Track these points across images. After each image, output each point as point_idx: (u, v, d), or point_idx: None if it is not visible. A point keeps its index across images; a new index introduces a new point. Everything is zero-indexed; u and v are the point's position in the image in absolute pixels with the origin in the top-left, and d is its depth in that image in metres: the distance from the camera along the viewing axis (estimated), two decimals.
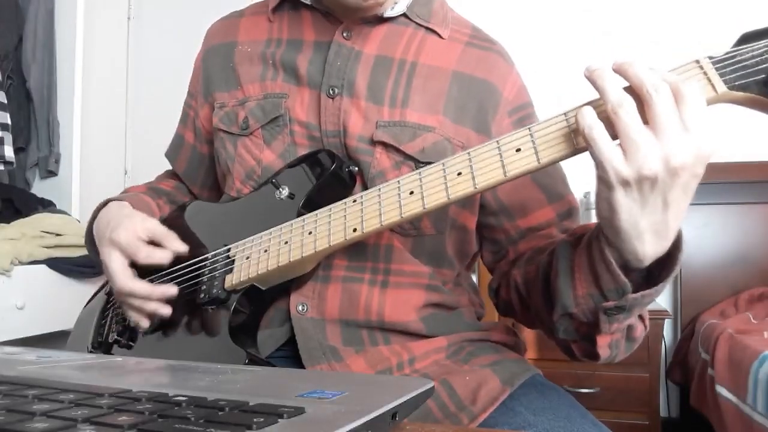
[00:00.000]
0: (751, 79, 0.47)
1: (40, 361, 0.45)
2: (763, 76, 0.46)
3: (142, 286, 0.64)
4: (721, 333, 1.68)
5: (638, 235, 0.48)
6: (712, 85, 0.48)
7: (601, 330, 0.54)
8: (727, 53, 0.48)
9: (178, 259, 0.70)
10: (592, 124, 0.46)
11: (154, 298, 0.65)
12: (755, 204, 2.16)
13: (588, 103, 0.49)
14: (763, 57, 0.46)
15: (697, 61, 0.49)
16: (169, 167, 0.91)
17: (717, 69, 0.48)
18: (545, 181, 0.70)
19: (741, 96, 0.47)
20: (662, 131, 0.44)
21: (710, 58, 0.48)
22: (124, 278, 0.65)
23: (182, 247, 0.67)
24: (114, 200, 0.75)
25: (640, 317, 0.57)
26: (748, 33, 0.48)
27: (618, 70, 0.46)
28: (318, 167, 0.64)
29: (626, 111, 0.45)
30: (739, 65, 0.47)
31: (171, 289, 0.65)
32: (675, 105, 0.44)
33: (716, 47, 0.50)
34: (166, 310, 0.65)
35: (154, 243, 0.67)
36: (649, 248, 0.48)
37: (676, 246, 0.49)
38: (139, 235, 0.66)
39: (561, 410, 0.58)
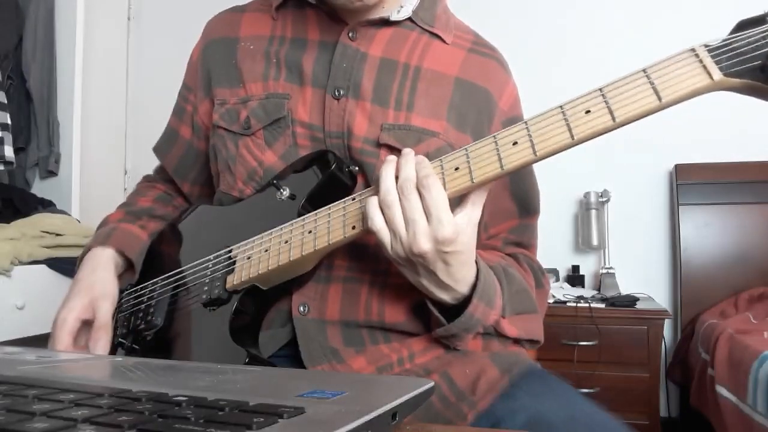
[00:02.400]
0: (746, 66, 0.46)
1: (40, 361, 0.45)
2: (759, 62, 0.46)
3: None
4: (721, 333, 1.68)
5: (426, 289, 0.58)
6: (708, 73, 0.47)
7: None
8: (723, 41, 0.48)
9: (180, 262, 0.70)
10: (373, 216, 0.55)
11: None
12: (755, 204, 2.16)
13: (375, 191, 0.56)
14: (759, 43, 0.46)
15: (693, 50, 0.49)
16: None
17: (713, 57, 0.48)
18: (520, 194, 0.73)
19: (737, 83, 0.47)
20: (409, 224, 0.53)
21: (706, 46, 0.48)
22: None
23: (99, 350, 0.66)
24: (98, 246, 0.74)
25: (497, 332, 0.65)
26: (745, 20, 0.48)
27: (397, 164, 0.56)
28: (319, 168, 0.64)
29: (388, 206, 0.54)
30: (735, 52, 0.47)
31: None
32: (419, 202, 0.53)
33: (714, 35, 0.50)
34: None
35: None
36: (441, 296, 0.59)
37: (476, 287, 0.59)
38: (83, 316, 0.67)
39: (560, 393, 0.59)
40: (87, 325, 0.68)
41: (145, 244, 0.76)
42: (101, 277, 0.71)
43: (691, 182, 2.23)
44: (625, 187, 2.33)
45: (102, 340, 0.66)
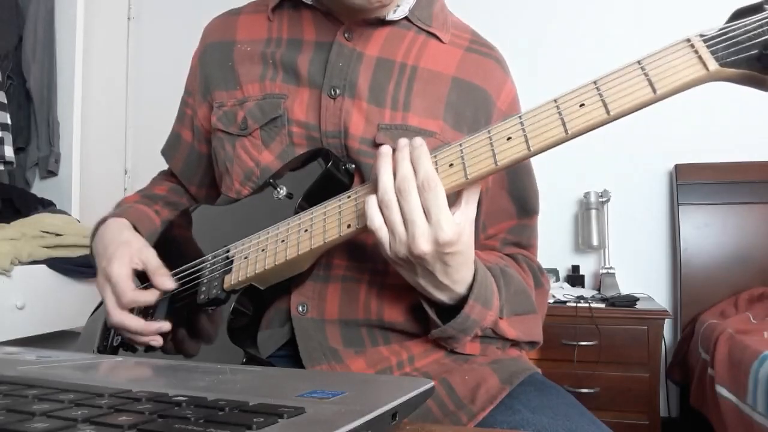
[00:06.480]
0: (743, 55, 0.45)
1: (40, 361, 0.45)
2: (755, 51, 0.45)
3: (134, 323, 0.64)
4: (721, 333, 1.68)
5: (423, 289, 0.58)
6: (704, 64, 0.47)
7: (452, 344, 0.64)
8: (719, 30, 0.47)
9: (179, 262, 0.70)
10: (372, 215, 0.54)
11: (147, 335, 0.65)
12: (755, 204, 2.16)
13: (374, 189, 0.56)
14: (756, 32, 0.45)
15: (688, 40, 0.48)
16: (165, 167, 0.91)
17: (708, 47, 0.47)
18: (518, 194, 0.73)
19: (733, 73, 0.46)
20: (408, 225, 0.53)
21: (701, 36, 0.48)
22: (116, 313, 0.65)
23: (170, 286, 0.65)
24: (113, 217, 0.74)
25: (495, 333, 0.64)
26: (741, 8, 0.47)
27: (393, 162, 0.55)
28: (315, 166, 0.64)
29: (386, 206, 0.53)
30: (731, 42, 0.46)
31: (164, 326, 0.65)
32: (419, 202, 0.52)
33: (710, 25, 0.49)
34: (157, 343, 0.65)
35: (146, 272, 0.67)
36: (438, 296, 0.58)
37: (472, 288, 0.58)
38: (132, 266, 0.66)
39: (560, 408, 0.59)
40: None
41: (156, 229, 0.77)
42: (132, 236, 0.72)
43: (691, 182, 2.23)
44: (625, 187, 2.33)
45: (166, 276, 0.66)
